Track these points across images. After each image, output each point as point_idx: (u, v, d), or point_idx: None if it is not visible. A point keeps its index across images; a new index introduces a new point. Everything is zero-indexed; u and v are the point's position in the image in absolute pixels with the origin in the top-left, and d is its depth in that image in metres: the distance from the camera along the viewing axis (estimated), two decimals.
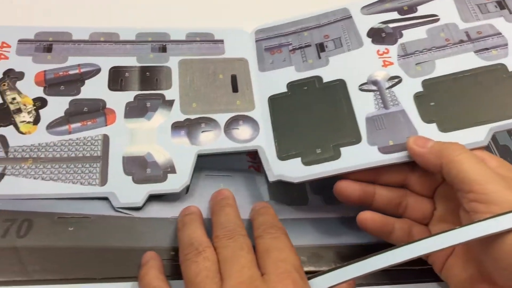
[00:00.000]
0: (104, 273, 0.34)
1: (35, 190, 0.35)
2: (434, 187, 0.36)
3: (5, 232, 0.34)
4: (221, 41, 0.45)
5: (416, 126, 0.37)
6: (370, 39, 0.43)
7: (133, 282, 0.33)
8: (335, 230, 0.39)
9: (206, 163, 0.39)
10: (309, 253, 0.37)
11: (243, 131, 0.39)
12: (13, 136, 0.37)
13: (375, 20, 0.44)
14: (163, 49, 0.43)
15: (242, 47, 0.45)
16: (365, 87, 0.40)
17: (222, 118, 0.40)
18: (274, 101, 0.41)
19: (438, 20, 0.42)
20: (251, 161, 0.42)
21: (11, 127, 0.37)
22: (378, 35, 0.43)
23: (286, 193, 0.40)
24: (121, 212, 0.36)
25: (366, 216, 0.36)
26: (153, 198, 0.37)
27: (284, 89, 0.41)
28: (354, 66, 0.41)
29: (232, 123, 0.40)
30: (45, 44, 0.42)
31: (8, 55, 0.41)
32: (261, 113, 0.40)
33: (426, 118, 0.37)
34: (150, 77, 0.42)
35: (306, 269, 0.35)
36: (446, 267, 0.34)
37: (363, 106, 0.39)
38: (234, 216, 0.34)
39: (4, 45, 0.42)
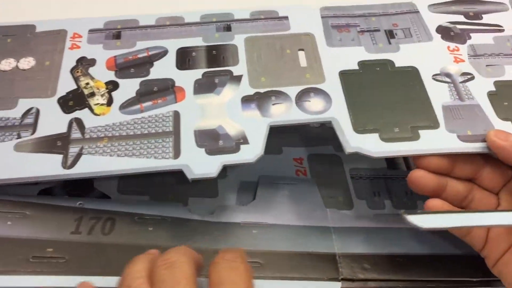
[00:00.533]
0: None
1: (111, 167, 0.35)
2: (503, 184, 0.36)
3: (91, 229, 0.36)
4: (286, 18, 0.44)
5: (492, 121, 0.37)
6: (439, 35, 0.44)
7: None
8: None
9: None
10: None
11: (314, 103, 0.38)
12: (88, 118, 0.37)
13: (442, 19, 0.45)
14: (228, 28, 0.43)
15: (307, 23, 0.44)
16: (438, 77, 0.40)
17: (292, 91, 0.39)
18: (346, 76, 0.40)
19: (503, 30, 0.45)
20: (298, 165, 0.44)
21: (86, 110, 0.38)
22: (447, 33, 0.44)
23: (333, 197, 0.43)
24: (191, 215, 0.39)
25: (419, 174, 0.36)
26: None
27: (355, 67, 0.41)
28: (425, 57, 0.42)
29: (303, 95, 0.39)
30: (114, 32, 0.43)
31: (80, 45, 0.42)
32: (332, 86, 0.39)
33: (501, 115, 0.38)
34: (217, 55, 0.41)
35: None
36: (502, 262, 0.33)
37: (438, 94, 0.39)
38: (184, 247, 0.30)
39: (76, 35, 0.43)
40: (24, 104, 0.38)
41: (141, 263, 0.29)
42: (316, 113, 0.38)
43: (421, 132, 0.37)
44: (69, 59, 0.41)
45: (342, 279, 0.36)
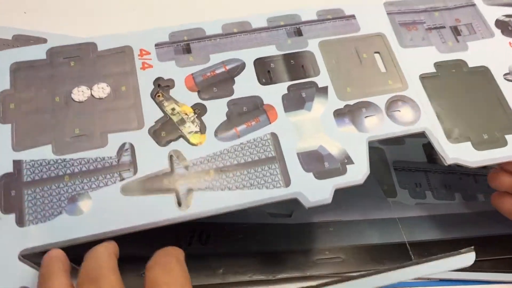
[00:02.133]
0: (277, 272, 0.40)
1: (227, 202, 0.35)
2: None
3: (190, 241, 0.37)
4: (353, 17, 0.43)
5: None
6: (499, 30, 0.44)
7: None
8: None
9: None
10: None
11: (405, 113, 0.39)
12: (186, 149, 0.37)
13: (498, 13, 0.45)
14: (299, 33, 0.42)
15: (375, 21, 0.43)
16: (509, 77, 0.41)
17: (380, 100, 0.39)
18: (426, 80, 0.40)
19: None
20: None
21: (181, 140, 0.37)
22: (505, 28, 0.44)
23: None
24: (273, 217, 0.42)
25: (501, 176, 0.40)
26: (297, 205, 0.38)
27: (432, 69, 0.41)
28: (492, 55, 0.43)
29: (391, 105, 0.39)
30: (182, 45, 0.41)
31: (151, 63, 0.40)
32: (416, 92, 0.40)
33: None
34: (296, 65, 0.41)
35: None
36: None
37: None
38: (107, 255, 0.30)
39: (144, 52, 0.40)
40: (114, 140, 0.36)
41: (58, 279, 0.28)
42: (408, 123, 0.38)
43: (507, 137, 0.39)
44: (145, 82, 0.39)
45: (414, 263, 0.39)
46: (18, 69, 0.39)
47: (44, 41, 0.49)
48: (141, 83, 0.39)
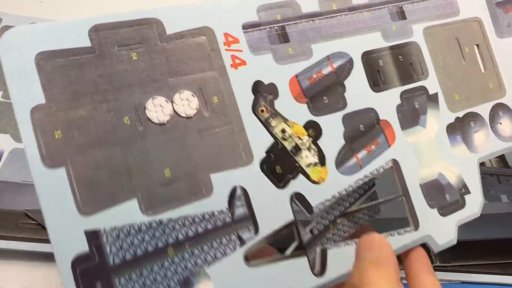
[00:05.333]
0: None
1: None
2: None
3: None
4: None
5: None
6: None
7: None
8: None
9: None
10: None
11: (505, 125, 0.36)
12: (307, 189, 0.28)
13: None
14: (402, 15, 0.34)
15: (473, 1, 0.37)
16: None
17: (483, 110, 0.35)
18: None
19: None
20: None
21: (300, 177, 0.28)
22: None
23: None
24: None
25: None
26: None
27: None
28: None
29: (494, 115, 0.35)
30: (277, 28, 0.29)
31: (243, 57, 0.28)
32: None
33: None
34: (404, 62, 0.33)
35: None
36: None
37: None
38: None
39: (230, 39, 0.28)
40: (220, 184, 0.26)
41: None
42: (509, 138, 0.35)
43: None
44: (240, 88, 0.27)
45: (435, 266, 0.38)
46: (49, 65, 0.23)
47: None
48: (235, 90, 0.27)
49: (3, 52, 0.23)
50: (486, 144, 0.34)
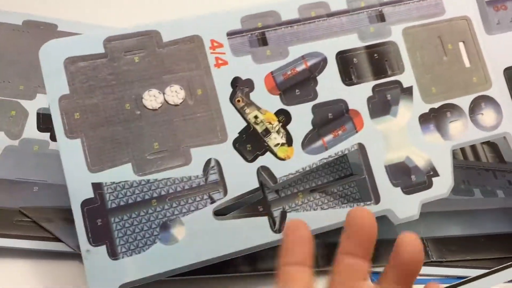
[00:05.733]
0: None
1: (322, 222, 0.34)
2: None
3: None
4: None
5: None
6: None
7: None
8: None
9: None
10: None
11: (487, 116, 0.38)
12: (274, 164, 0.35)
13: None
14: (381, 18, 0.38)
15: (461, 0, 0.40)
16: None
17: (463, 102, 0.38)
18: (511, 75, 0.39)
19: None
20: None
21: (268, 154, 0.35)
22: None
23: None
24: None
25: None
26: None
27: None
28: None
29: (475, 107, 0.38)
30: (257, 35, 0.36)
31: (226, 58, 0.35)
32: (499, 91, 0.38)
33: None
34: (379, 59, 0.38)
35: None
36: None
37: None
38: None
39: (215, 44, 0.36)
40: (198, 155, 0.34)
41: None
42: (490, 128, 0.38)
43: None
44: (221, 83, 0.35)
45: (431, 262, 0.40)
46: (73, 67, 0.33)
47: (55, 27, 0.46)
48: (217, 84, 0.35)
49: (43, 58, 0.33)
50: (462, 133, 0.37)
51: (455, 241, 0.41)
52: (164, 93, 0.34)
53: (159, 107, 0.34)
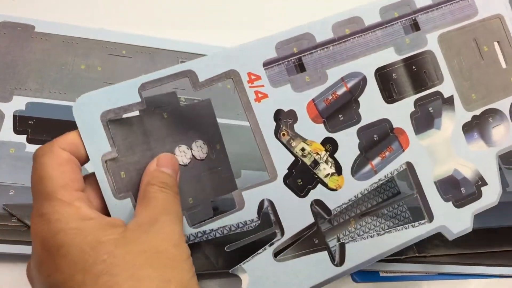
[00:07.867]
0: None
1: (379, 249, 0.34)
2: None
3: None
4: None
5: None
6: None
7: None
8: None
9: None
10: None
11: None
12: (327, 197, 0.34)
13: None
14: (416, 26, 0.37)
15: None
16: None
17: (503, 105, 0.37)
18: None
19: None
20: None
21: (320, 186, 0.34)
22: None
23: None
24: None
25: None
26: None
27: None
28: None
29: None
30: (294, 60, 0.34)
31: (265, 91, 0.34)
32: None
33: None
34: (418, 72, 0.36)
35: None
36: None
37: None
38: None
39: (253, 77, 0.34)
40: (250, 198, 0.33)
41: None
42: None
43: None
44: (263, 118, 0.33)
45: (416, 256, 0.42)
46: (111, 121, 0.31)
47: (32, 28, 0.46)
48: (260, 120, 0.33)
49: (77, 116, 0.31)
50: (505, 137, 0.37)
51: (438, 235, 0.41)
52: (191, 149, 0.33)
53: (188, 163, 0.33)
